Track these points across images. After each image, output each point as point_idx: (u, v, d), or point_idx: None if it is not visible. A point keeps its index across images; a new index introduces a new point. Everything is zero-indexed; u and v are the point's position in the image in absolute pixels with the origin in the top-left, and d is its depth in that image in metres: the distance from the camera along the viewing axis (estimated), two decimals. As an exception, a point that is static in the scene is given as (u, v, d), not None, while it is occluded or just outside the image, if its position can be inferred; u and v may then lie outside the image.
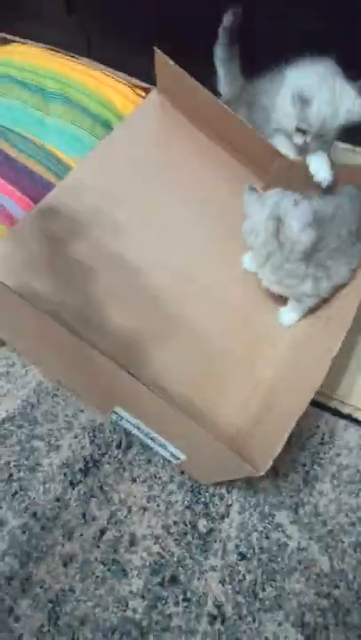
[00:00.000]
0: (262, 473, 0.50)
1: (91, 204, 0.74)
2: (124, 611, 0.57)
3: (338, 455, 0.68)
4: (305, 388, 0.60)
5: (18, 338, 0.63)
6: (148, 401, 0.53)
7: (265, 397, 0.66)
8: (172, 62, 0.74)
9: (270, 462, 0.51)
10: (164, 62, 0.75)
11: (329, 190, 0.76)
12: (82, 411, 0.71)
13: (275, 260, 0.67)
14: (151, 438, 0.61)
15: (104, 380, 0.56)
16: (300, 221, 0.64)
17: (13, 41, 0.94)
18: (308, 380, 0.62)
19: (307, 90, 0.66)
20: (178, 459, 0.62)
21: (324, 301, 0.73)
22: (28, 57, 0.89)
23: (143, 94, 0.88)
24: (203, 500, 0.64)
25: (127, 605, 0.57)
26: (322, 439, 0.69)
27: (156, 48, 0.75)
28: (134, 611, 0.57)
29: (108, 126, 0.84)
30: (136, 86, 0.89)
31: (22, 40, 0.94)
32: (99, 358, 0.50)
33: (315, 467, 0.67)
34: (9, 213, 0.73)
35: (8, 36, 0.94)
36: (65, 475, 0.65)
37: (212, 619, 0.57)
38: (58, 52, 0.91)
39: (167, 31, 0.79)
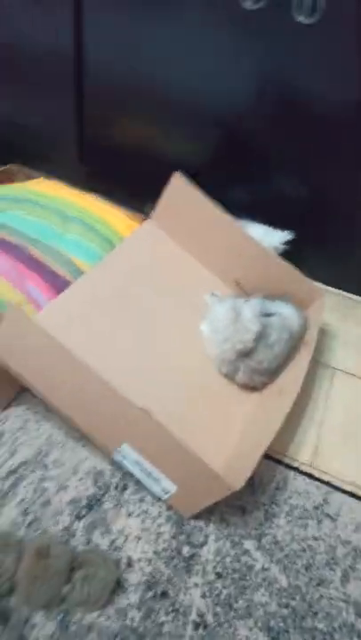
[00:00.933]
0: (238, 488, 0.68)
1: (98, 298, 0.95)
2: (124, 620, 0.68)
3: (290, 497, 0.86)
4: (263, 439, 0.80)
5: (42, 381, 0.78)
6: (154, 434, 0.70)
7: (234, 443, 0.85)
8: (188, 181, 1.02)
9: (243, 482, 0.69)
10: (180, 183, 1.02)
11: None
12: (86, 459, 0.86)
13: (230, 342, 0.91)
14: (148, 474, 0.77)
15: (116, 418, 0.73)
16: (252, 311, 0.90)
17: (40, 177, 1.24)
18: (264, 432, 0.82)
19: None
20: (168, 492, 0.77)
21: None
22: (54, 190, 1.18)
23: (138, 222, 1.17)
24: (186, 530, 0.79)
25: (126, 615, 0.69)
26: (277, 485, 0.87)
27: (178, 172, 1.03)
28: (132, 620, 0.68)
29: (111, 244, 1.10)
30: (133, 216, 1.18)
31: (46, 177, 1.24)
32: (115, 395, 0.69)
33: (273, 506, 0.84)
34: (39, 304, 0.93)
35: (36, 173, 1.24)
36: (72, 510, 0.79)
37: (196, 626, 0.69)
38: (73, 188, 1.21)
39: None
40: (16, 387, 0.92)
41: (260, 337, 0.92)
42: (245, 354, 0.92)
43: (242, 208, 1.12)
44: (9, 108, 1.36)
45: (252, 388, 0.97)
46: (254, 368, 0.94)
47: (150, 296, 1.01)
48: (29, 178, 1.27)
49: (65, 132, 1.31)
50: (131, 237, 1.11)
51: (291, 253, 1.12)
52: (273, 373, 0.96)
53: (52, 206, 1.12)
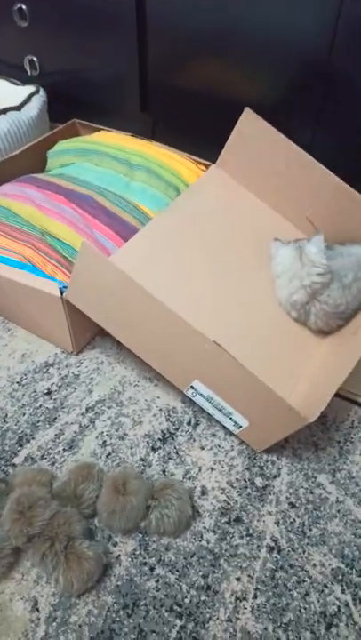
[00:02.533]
0: (312, 420, 0.68)
1: (163, 244, 0.96)
2: (200, 541, 0.71)
3: (365, 435, 0.85)
4: (338, 375, 0.78)
5: (119, 323, 0.80)
6: (227, 368, 0.71)
7: (308, 383, 0.84)
8: (258, 116, 0.98)
9: (317, 414, 0.69)
10: (251, 118, 0.99)
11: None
12: (158, 397, 0.89)
13: (297, 280, 0.89)
14: (220, 409, 0.79)
15: (189, 354, 0.75)
16: (316, 246, 0.87)
17: (103, 129, 1.25)
18: (340, 369, 0.80)
19: None
20: (240, 426, 0.79)
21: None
22: (116, 139, 1.18)
23: (204, 168, 1.15)
24: (258, 464, 0.80)
25: (202, 537, 0.72)
26: (352, 424, 0.86)
27: (247, 108, 0.99)
28: (207, 541, 0.71)
29: (177, 190, 1.10)
30: (198, 162, 1.16)
31: (109, 129, 1.25)
32: (189, 330, 0.70)
33: (347, 443, 0.83)
34: (108, 250, 0.96)
35: (100, 126, 1.25)
36: (147, 442, 0.82)
37: (270, 549, 0.71)
38: (137, 136, 1.21)
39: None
40: (92, 331, 0.96)
41: (335, 277, 0.88)
42: (316, 292, 0.89)
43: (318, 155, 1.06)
44: (68, 61, 1.35)
45: (326, 332, 0.95)
46: (330, 312, 0.89)
47: (219, 240, 1.01)
48: (93, 131, 1.29)
49: (127, 81, 1.29)
50: (197, 183, 1.09)
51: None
52: (350, 316, 0.93)
53: (117, 156, 1.13)
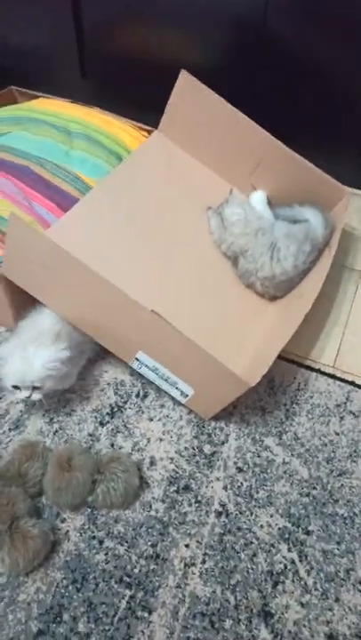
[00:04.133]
0: (253, 384, 0.68)
1: (103, 214, 0.93)
2: (149, 511, 0.71)
3: (311, 397, 0.85)
4: (282, 338, 0.78)
5: (56, 296, 0.78)
6: (168, 338, 0.70)
7: (253, 347, 0.84)
8: (195, 79, 0.95)
9: (259, 377, 0.69)
10: (188, 80, 0.96)
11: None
12: (106, 371, 0.88)
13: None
14: (165, 379, 0.78)
15: (130, 325, 0.73)
16: (233, 206, 0.90)
17: (41, 96, 1.19)
18: (284, 332, 0.80)
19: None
20: (187, 395, 0.78)
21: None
22: (55, 106, 1.13)
23: (146, 134, 1.11)
24: (207, 431, 0.80)
25: (151, 507, 0.72)
26: (298, 387, 0.87)
27: (183, 70, 0.96)
28: (156, 511, 0.71)
29: (119, 158, 1.06)
30: (140, 128, 1.12)
31: (47, 95, 1.19)
32: (126, 300, 0.68)
33: (293, 405, 0.84)
34: (47, 223, 0.92)
35: (38, 93, 1.19)
36: (95, 417, 0.81)
37: (218, 514, 0.72)
38: (76, 103, 1.15)
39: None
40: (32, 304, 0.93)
41: (271, 250, 0.89)
42: (237, 257, 0.91)
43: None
44: (4, 30, 1.29)
45: (273, 297, 0.94)
46: (266, 282, 0.91)
47: (163, 208, 0.98)
48: (31, 99, 1.22)
49: (65, 49, 1.23)
50: (139, 149, 1.06)
51: (313, 156, 1.04)
52: (290, 286, 0.93)
53: (55, 123, 1.08)
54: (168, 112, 1.05)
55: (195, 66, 0.98)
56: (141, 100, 1.11)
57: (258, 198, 1.01)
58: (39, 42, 1.28)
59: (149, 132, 1.11)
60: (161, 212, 0.98)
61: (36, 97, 1.21)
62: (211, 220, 0.97)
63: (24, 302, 0.89)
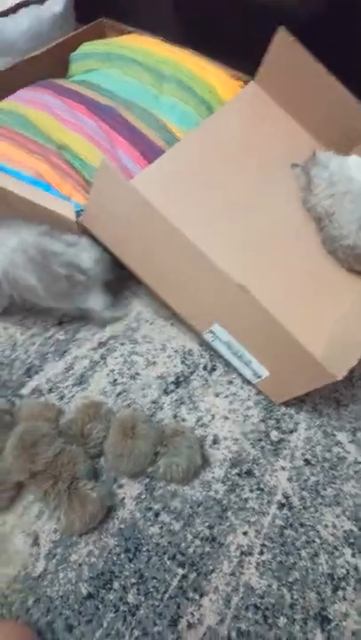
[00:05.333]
0: (340, 377, 0.62)
1: (190, 169, 0.86)
2: (208, 491, 0.68)
3: (393, 395, 0.79)
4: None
5: (136, 255, 0.74)
6: (251, 313, 0.65)
7: (338, 331, 0.77)
8: (293, 38, 0.86)
9: (345, 371, 0.63)
10: (285, 39, 0.87)
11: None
12: (174, 337, 0.84)
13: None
14: (239, 356, 0.73)
15: (211, 295, 0.68)
16: (318, 165, 0.83)
17: (133, 31, 1.10)
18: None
19: None
20: (259, 376, 0.74)
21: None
22: (147, 44, 1.04)
23: (241, 84, 1.02)
24: (275, 416, 0.76)
25: (210, 487, 0.69)
26: (379, 382, 0.80)
27: (282, 27, 0.86)
28: (216, 492, 0.68)
29: (210, 107, 0.98)
30: (235, 77, 1.03)
31: (140, 31, 1.10)
32: (213, 269, 0.63)
33: (372, 402, 0.78)
34: (130, 172, 0.86)
35: (129, 27, 1.10)
36: (160, 384, 0.78)
37: (281, 506, 0.68)
38: (169, 42, 1.06)
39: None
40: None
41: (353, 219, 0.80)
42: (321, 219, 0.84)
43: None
44: None
45: (350, 268, 0.87)
46: (347, 251, 0.83)
47: (252, 169, 0.90)
48: (121, 33, 1.14)
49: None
50: (231, 102, 0.97)
51: None
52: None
53: (146, 63, 1.00)
54: (265, 65, 0.95)
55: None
56: (236, 43, 1.01)
57: (355, 162, 0.91)
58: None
59: (245, 82, 1.02)
60: (250, 172, 0.90)
61: (127, 32, 1.13)
62: (299, 178, 0.89)
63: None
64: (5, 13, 1.08)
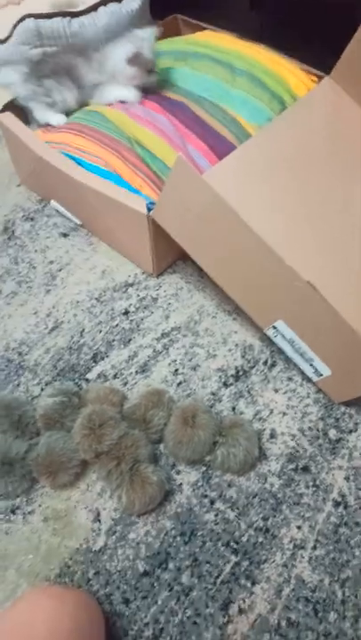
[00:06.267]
0: None
1: (261, 166, 0.86)
2: (264, 483, 0.70)
3: None
4: None
5: (205, 249, 0.75)
6: (317, 312, 0.65)
7: None
8: None
9: None
10: None
11: None
12: (235, 332, 0.85)
13: None
14: (301, 353, 0.74)
15: (277, 292, 0.69)
16: None
17: (207, 29, 1.11)
18: None
19: None
20: (320, 375, 0.74)
21: None
22: (220, 40, 1.05)
23: (316, 79, 1.01)
24: (334, 415, 0.76)
25: (266, 480, 0.70)
26: None
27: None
28: (271, 485, 0.70)
29: (282, 103, 0.98)
30: (310, 72, 1.02)
31: (214, 27, 1.11)
32: (281, 265, 0.63)
33: None
34: (199, 167, 0.88)
35: (204, 24, 1.11)
36: (220, 377, 0.80)
37: (337, 504, 0.68)
38: (242, 38, 1.07)
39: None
40: (174, 254, 0.92)
41: None
42: None
43: None
44: None
45: None
46: None
47: (326, 168, 0.89)
48: (195, 31, 1.16)
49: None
50: (306, 98, 0.96)
51: None
52: None
53: (219, 58, 1.01)
54: (345, 59, 0.93)
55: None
56: (312, 40, 1.00)
57: None
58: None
59: (320, 78, 1.01)
60: (324, 171, 0.89)
61: (201, 28, 1.15)
62: None
63: (167, 251, 0.88)
64: (86, 12, 1.12)
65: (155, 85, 0.98)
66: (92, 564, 0.64)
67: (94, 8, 1.10)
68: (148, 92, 0.98)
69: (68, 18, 1.06)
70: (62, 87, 0.96)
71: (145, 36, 0.93)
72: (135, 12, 1.16)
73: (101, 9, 1.11)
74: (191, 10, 1.21)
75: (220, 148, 0.90)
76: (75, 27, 1.05)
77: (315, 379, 0.76)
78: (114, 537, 0.65)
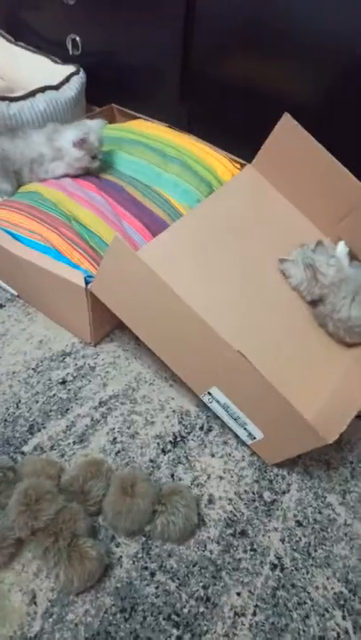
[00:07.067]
0: (331, 441, 0.66)
1: (192, 242, 0.94)
2: (203, 551, 0.70)
3: (379, 458, 0.83)
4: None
5: (141, 320, 0.79)
6: (248, 379, 0.70)
7: (328, 396, 0.82)
8: (297, 123, 0.95)
9: (336, 435, 0.67)
10: (290, 124, 0.96)
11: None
12: (172, 398, 0.88)
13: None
14: (235, 418, 0.77)
15: (209, 360, 0.73)
16: (325, 257, 0.90)
17: (140, 117, 1.22)
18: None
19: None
20: (254, 438, 0.77)
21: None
22: (153, 130, 1.16)
23: (239, 167, 1.12)
24: (268, 477, 0.79)
25: (205, 547, 0.71)
26: (366, 445, 0.85)
27: (286, 113, 0.96)
28: (211, 552, 0.70)
29: (210, 186, 1.07)
30: (233, 160, 1.14)
31: (146, 117, 1.23)
32: (213, 336, 0.68)
33: (360, 464, 0.82)
34: (135, 242, 0.94)
35: (137, 114, 1.22)
36: (158, 444, 0.81)
37: (273, 567, 0.70)
38: (174, 128, 1.18)
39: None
40: (111, 323, 0.95)
41: (353, 294, 0.87)
42: (320, 300, 0.91)
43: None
44: (112, 43, 1.32)
45: (349, 343, 0.93)
46: (338, 324, 0.89)
47: (249, 244, 0.98)
48: (129, 119, 1.26)
49: (168, 69, 1.25)
50: (230, 183, 1.07)
51: None
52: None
53: (152, 145, 1.11)
54: (265, 149, 1.05)
55: (299, 103, 0.98)
56: (236, 131, 1.12)
57: (341, 248, 0.99)
58: (144, 60, 1.30)
59: (242, 165, 1.12)
60: (247, 246, 0.98)
61: (135, 117, 1.25)
62: (291, 267, 0.96)
63: (104, 321, 0.91)
64: (24, 97, 1.20)
65: (97, 170, 1.06)
66: (27, 652, 0.60)
67: (32, 94, 1.19)
68: (87, 173, 1.05)
69: (7, 102, 1.13)
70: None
71: (93, 126, 1.01)
72: (72, 100, 1.25)
73: (39, 95, 1.19)
74: (126, 98, 1.32)
75: (155, 225, 0.97)
76: (13, 110, 1.12)
77: (249, 442, 0.79)
78: (51, 620, 0.63)
